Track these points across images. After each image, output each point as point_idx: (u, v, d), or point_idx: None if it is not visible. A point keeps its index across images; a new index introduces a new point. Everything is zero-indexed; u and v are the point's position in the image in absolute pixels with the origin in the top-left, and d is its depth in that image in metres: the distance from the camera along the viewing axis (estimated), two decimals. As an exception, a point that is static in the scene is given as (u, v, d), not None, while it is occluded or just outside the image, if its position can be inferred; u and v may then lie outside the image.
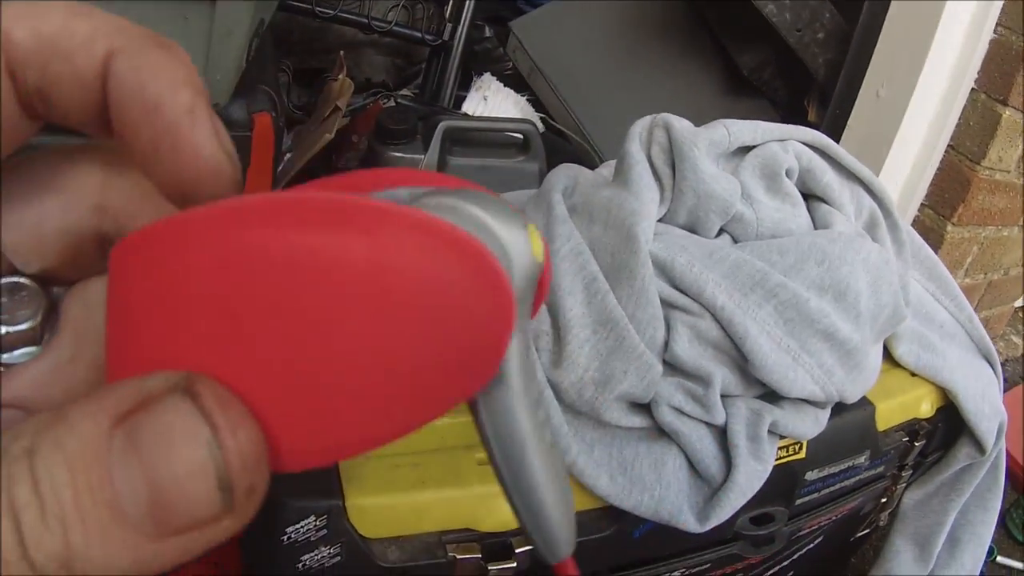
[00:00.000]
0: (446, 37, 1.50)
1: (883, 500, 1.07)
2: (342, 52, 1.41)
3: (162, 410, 0.19)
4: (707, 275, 0.75)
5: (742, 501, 0.74)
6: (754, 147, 0.86)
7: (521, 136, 1.28)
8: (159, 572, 0.20)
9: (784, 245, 0.80)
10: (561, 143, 1.43)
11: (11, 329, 0.25)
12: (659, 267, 0.75)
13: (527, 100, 1.55)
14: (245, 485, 0.20)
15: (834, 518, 0.97)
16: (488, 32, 1.68)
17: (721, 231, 0.83)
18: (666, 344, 0.74)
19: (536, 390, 0.24)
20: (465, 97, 1.53)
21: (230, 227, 0.20)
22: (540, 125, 1.36)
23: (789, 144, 0.88)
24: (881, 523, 1.14)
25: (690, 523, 0.72)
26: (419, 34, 1.50)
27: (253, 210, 0.20)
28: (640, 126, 0.83)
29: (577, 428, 0.72)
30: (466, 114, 1.47)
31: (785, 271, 0.78)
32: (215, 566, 0.99)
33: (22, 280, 0.25)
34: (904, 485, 1.07)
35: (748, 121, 0.87)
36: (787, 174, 0.86)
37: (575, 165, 0.91)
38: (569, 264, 0.74)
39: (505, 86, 1.54)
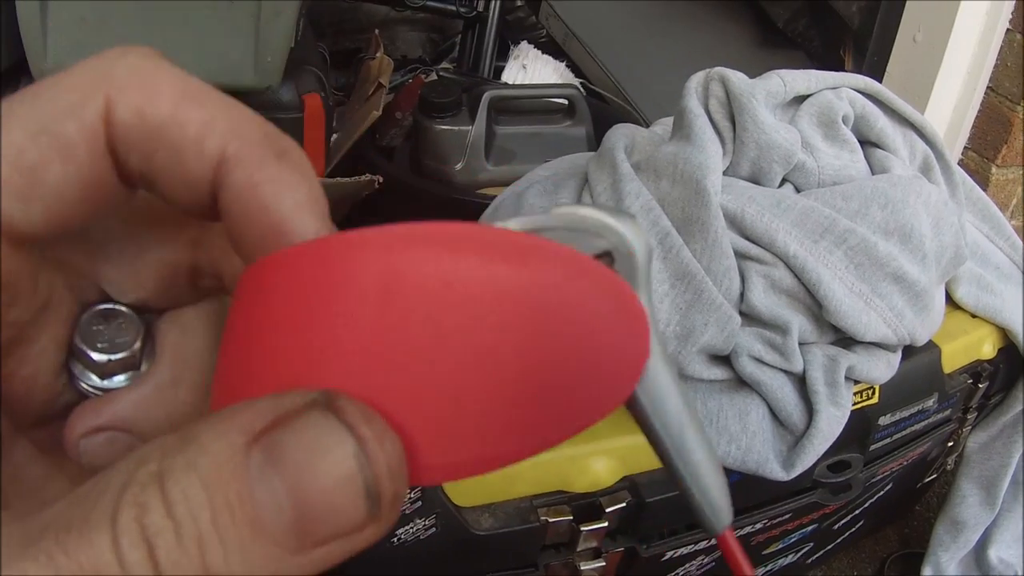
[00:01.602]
0: (480, 9, 1.50)
1: (950, 444, 1.08)
2: (376, 31, 1.41)
3: (304, 425, 0.19)
4: (777, 224, 0.75)
5: (824, 447, 0.74)
6: (808, 96, 0.86)
7: (566, 101, 1.27)
8: None
9: (847, 191, 0.81)
10: (602, 106, 1.43)
11: (113, 357, 0.25)
12: (729, 218, 0.75)
13: (565, 66, 1.55)
14: (391, 494, 0.20)
15: (905, 463, 0.97)
16: (519, 1, 1.68)
17: (784, 181, 0.84)
18: (742, 295, 0.75)
19: (675, 371, 0.26)
20: (503, 67, 1.53)
21: (387, 253, 0.21)
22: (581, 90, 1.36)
23: (842, 91, 0.88)
24: (948, 468, 1.14)
25: (776, 471, 0.73)
26: (453, 7, 1.50)
27: (410, 238, 0.21)
28: (695, 81, 0.83)
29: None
30: (508, 83, 1.47)
31: (850, 217, 0.78)
32: None
33: (118, 307, 0.26)
34: (969, 428, 1.07)
35: (801, 71, 0.87)
36: (843, 121, 0.86)
37: (630, 124, 0.91)
38: (641, 220, 0.75)
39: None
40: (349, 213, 1.09)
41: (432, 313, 0.20)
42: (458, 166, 1.24)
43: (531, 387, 0.21)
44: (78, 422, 0.25)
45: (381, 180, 0.99)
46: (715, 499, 0.27)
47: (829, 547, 1.11)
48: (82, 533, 0.18)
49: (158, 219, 0.25)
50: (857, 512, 1.02)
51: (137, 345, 0.26)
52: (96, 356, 0.25)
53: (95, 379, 0.25)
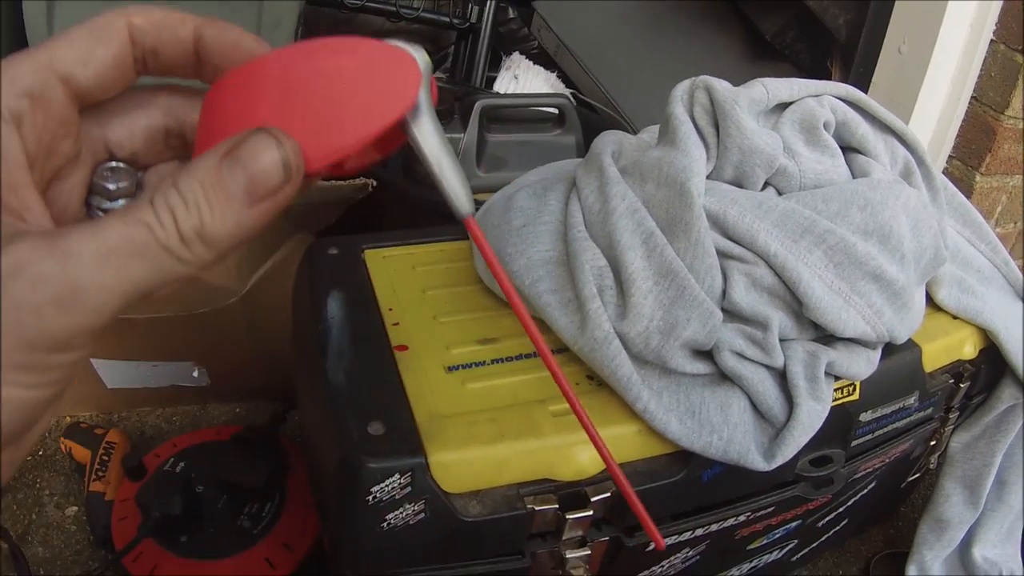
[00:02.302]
0: (473, 19, 1.53)
1: (932, 443, 1.10)
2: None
3: (252, 141, 0.37)
4: (758, 224, 0.78)
5: (805, 439, 0.76)
6: (791, 103, 0.89)
7: (556, 110, 1.30)
8: (250, 234, 0.38)
9: (828, 194, 0.83)
10: (591, 116, 1.45)
11: (120, 185, 0.43)
12: (712, 219, 0.78)
13: (556, 77, 1.58)
14: (295, 165, 0.38)
15: (887, 460, 0.99)
16: (512, 13, 1.70)
17: (766, 185, 0.86)
18: (724, 293, 0.77)
19: (440, 129, 0.43)
20: (495, 78, 1.55)
21: (293, 54, 0.41)
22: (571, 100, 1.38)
23: (824, 99, 0.90)
24: (931, 467, 1.16)
25: (757, 462, 0.75)
26: (447, 18, 1.52)
27: (302, 48, 0.41)
28: (681, 89, 0.86)
29: (645, 376, 0.75)
30: (499, 93, 1.49)
31: (831, 218, 0.80)
32: (271, 566, 1.03)
33: (120, 164, 0.43)
34: (952, 428, 1.10)
35: (783, 79, 0.90)
36: (824, 127, 0.88)
37: (618, 131, 0.94)
38: (627, 221, 0.77)
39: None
40: (343, 216, 1.12)
41: (300, 80, 0.40)
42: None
43: (354, 105, 0.39)
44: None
45: (375, 184, 1.02)
46: (458, 190, 0.44)
47: (814, 545, 1.13)
48: (137, 211, 0.35)
49: (143, 101, 0.44)
50: (841, 510, 1.05)
51: (134, 182, 0.44)
52: (110, 186, 0.43)
53: (106, 203, 0.43)
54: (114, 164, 0.43)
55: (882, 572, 1.24)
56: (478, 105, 1.24)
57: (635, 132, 1.21)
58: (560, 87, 1.56)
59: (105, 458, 1.18)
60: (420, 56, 0.41)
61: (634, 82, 1.55)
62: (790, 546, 1.06)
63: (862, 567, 1.25)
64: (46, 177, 0.39)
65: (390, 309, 0.86)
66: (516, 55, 1.57)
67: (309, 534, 1.07)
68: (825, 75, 1.66)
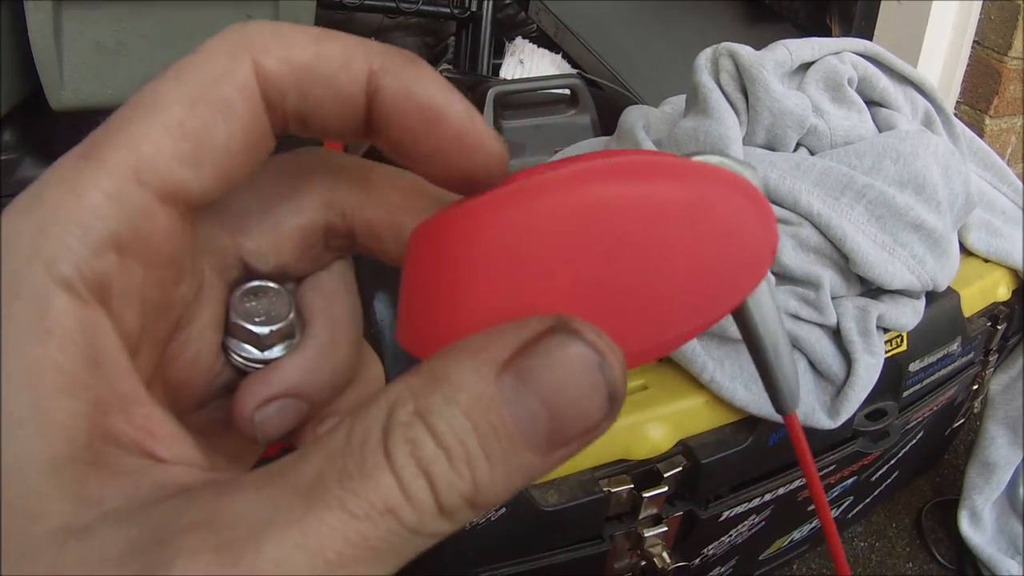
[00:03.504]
0: (473, 8, 1.52)
1: (974, 387, 1.10)
2: (372, 39, 1.43)
3: (550, 347, 0.22)
4: (799, 185, 0.78)
5: (865, 394, 0.77)
6: (812, 63, 0.89)
7: (569, 91, 1.30)
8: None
9: (860, 149, 0.83)
10: (601, 94, 1.45)
11: (273, 328, 0.27)
12: (753, 184, 0.78)
13: (561, 58, 1.57)
14: (623, 393, 0.23)
15: (935, 408, 1.00)
16: (508, -1, 1.70)
17: (798, 146, 0.86)
18: (772, 256, 0.78)
19: (778, 299, 0.32)
20: (500, 65, 1.55)
21: (570, 188, 0.24)
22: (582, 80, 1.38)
23: (844, 56, 0.91)
24: (974, 411, 1.17)
25: (823, 420, 0.76)
26: (446, 9, 1.52)
27: (584, 174, 0.24)
28: (704, 57, 0.86)
29: (706, 347, 0.75)
30: (508, 79, 1.49)
31: (866, 173, 0.81)
32: None
33: (266, 284, 0.28)
34: (991, 371, 1.10)
35: (803, 39, 0.90)
36: (848, 83, 0.89)
37: (643, 105, 0.94)
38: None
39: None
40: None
41: (621, 234, 0.24)
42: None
43: (699, 282, 0.25)
44: (249, 395, 0.27)
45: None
46: (792, 385, 0.31)
47: (867, 500, 1.13)
48: (364, 476, 0.20)
49: (292, 188, 0.28)
50: (892, 462, 1.05)
51: (292, 315, 0.28)
52: (256, 329, 0.27)
53: (255, 352, 0.27)
54: (257, 284, 0.28)
55: (934, 520, 1.25)
56: (491, 93, 1.23)
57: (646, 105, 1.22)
58: (567, 68, 1.55)
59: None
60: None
61: (638, 56, 1.55)
62: (846, 503, 1.06)
63: (913, 518, 1.26)
64: (159, 348, 0.26)
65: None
66: (519, 39, 1.57)
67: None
68: (825, 32, 1.66)
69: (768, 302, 0.29)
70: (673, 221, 0.24)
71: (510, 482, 0.22)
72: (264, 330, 0.27)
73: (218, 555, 0.19)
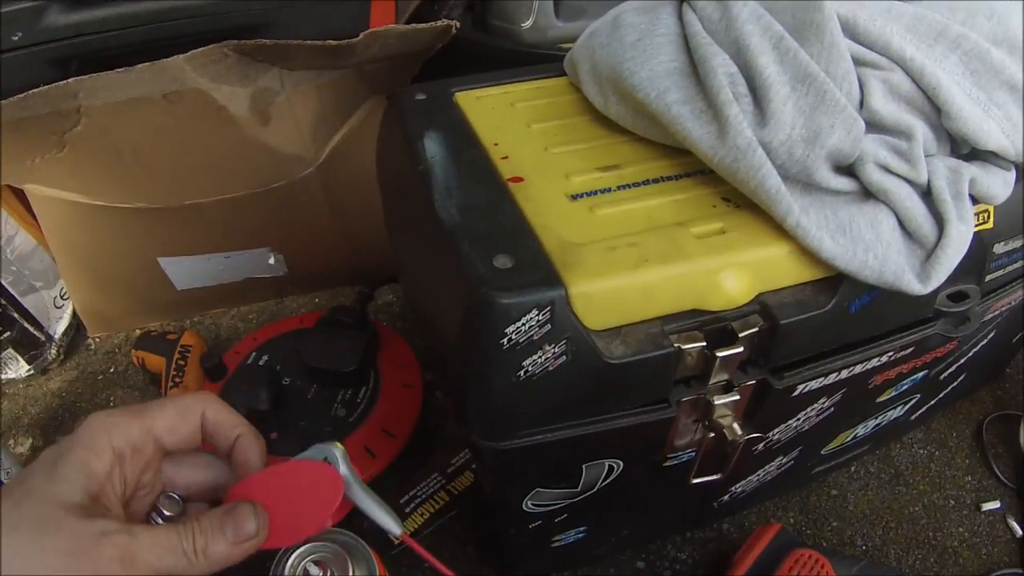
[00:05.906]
0: None
1: (1051, 290, 1.03)
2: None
3: (243, 507, 0.60)
4: (891, 28, 0.71)
5: (957, 259, 0.70)
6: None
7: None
8: (235, 561, 0.58)
9: (952, 3, 0.76)
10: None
11: (172, 510, 0.62)
12: (841, 24, 0.71)
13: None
14: (263, 532, 0.61)
15: (1012, 304, 0.93)
16: None
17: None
18: (860, 103, 0.70)
19: (365, 487, 0.66)
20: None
21: (274, 472, 0.64)
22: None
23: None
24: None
25: (913, 284, 0.69)
26: None
27: (277, 470, 0.64)
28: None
29: (790, 190, 0.68)
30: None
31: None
32: (371, 455, 0.97)
33: (175, 496, 0.63)
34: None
35: None
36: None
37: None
38: (753, 26, 0.70)
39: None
40: (419, 73, 1.04)
41: (275, 490, 0.63)
42: (526, 24, 1.20)
43: (288, 516, 0.62)
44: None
45: (458, 25, 0.94)
46: (388, 522, 0.65)
47: (932, 403, 1.07)
48: (176, 528, 0.57)
49: (204, 461, 0.65)
50: (963, 361, 0.98)
51: (181, 509, 0.63)
52: (166, 512, 0.61)
53: (160, 519, 0.61)
54: (173, 496, 0.63)
55: (994, 435, 1.19)
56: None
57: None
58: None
59: (181, 362, 1.12)
60: (339, 461, 0.65)
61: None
62: (912, 401, 1.00)
63: (974, 429, 1.19)
64: (128, 494, 0.59)
65: (495, 144, 0.79)
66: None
67: (409, 418, 1.00)
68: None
69: (358, 492, 0.65)
70: (282, 486, 0.63)
71: (219, 549, 0.57)
72: (168, 512, 0.61)
73: (119, 524, 0.54)
